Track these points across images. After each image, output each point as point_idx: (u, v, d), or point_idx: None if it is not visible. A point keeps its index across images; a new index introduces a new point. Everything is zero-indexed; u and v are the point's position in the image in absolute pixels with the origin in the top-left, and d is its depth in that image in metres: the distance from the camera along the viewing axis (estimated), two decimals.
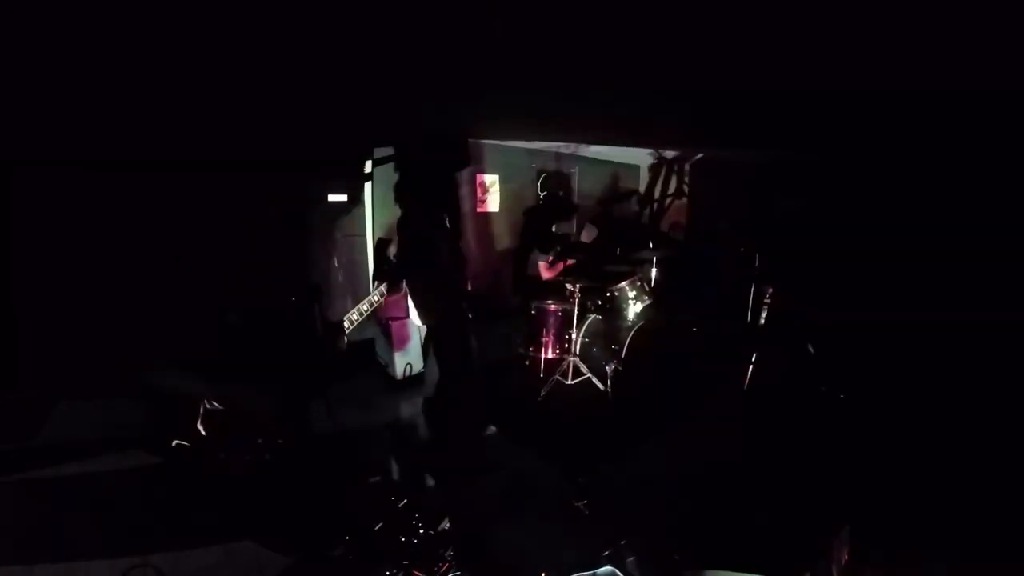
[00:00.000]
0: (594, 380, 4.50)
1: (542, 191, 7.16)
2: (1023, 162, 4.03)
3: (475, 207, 6.58)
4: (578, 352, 4.62)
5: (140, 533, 2.50)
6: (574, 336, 4.62)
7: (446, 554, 2.29)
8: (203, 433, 2.06)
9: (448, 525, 2.47)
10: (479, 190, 6.63)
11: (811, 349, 4.14)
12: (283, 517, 2.44)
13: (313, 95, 3.66)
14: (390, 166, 5.53)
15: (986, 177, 4.44)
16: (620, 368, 4.42)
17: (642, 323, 4.58)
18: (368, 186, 5.65)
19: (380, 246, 5.49)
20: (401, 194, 5.52)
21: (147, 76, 2.85)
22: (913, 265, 4.91)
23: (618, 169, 8.35)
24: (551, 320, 4.70)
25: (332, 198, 5.48)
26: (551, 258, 5.27)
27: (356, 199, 5.63)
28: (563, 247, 5.39)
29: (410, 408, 4.34)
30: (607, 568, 2.20)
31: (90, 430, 3.36)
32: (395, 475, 3.16)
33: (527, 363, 4.84)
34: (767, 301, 4.13)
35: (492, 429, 3.85)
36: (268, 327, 3.20)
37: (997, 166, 4.32)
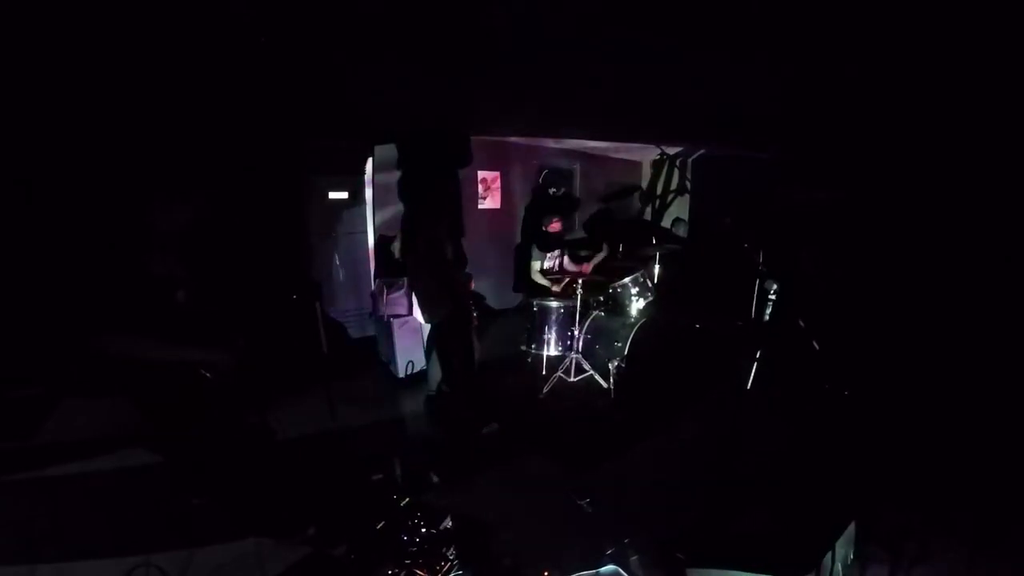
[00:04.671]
0: (597, 377, 4.48)
1: (543, 188, 7.15)
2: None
3: (477, 204, 6.57)
4: (581, 349, 4.60)
5: (142, 533, 2.50)
6: (576, 333, 4.60)
7: (448, 553, 2.28)
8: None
9: (450, 524, 2.46)
10: (481, 187, 6.62)
11: (816, 346, 4.11)
12: (284, 517, 2.44)
13: (314, 94, 3.64)
14: (393, 164, 5.52)
15: (987, 177, 4.40)
16: (623, 365, 4.39)
17: (645, 320, 4.54)
18: (369, 183, 5.64)
19: (382, 243, 5.49)
20: (404, 192, 5.51)
21: (147, 75, 2.84)
22: (915, 262, 4.87)
23: (620, 165, 8.32)
24: (553, 317, 4.68)
25: (333, 195, 5.48)
26: (544, 264, 5.25)
27: (357, 196, 5.62)
28: (559, 245, 5.37)
29: (412, 406, 4.33)
30: (610, 567, 2.18)
31: (90, 430, 3.36)
32: (397, 474, 3.15)
33: (529, 360, 4.83)
34: (771, 298, 4.09)
35: (494, 426, 3.83)
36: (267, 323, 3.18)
37: (1000, 168, 4.27)
